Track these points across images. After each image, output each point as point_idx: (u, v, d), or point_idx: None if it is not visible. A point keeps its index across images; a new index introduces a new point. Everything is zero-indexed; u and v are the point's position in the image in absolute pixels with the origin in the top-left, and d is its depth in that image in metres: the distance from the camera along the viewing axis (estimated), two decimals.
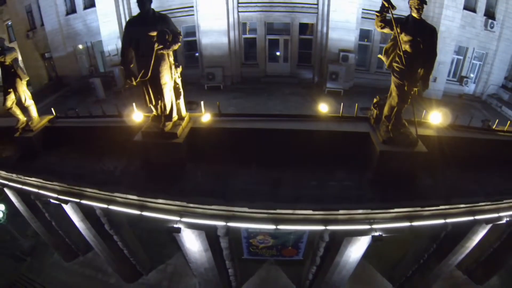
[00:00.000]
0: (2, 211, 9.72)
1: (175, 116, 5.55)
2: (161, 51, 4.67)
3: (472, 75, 13.19)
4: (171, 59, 4.98)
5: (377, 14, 4.43)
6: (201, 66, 12.70)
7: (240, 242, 7.97)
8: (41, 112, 6.88)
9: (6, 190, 7.69)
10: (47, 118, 6.85)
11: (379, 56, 4.99)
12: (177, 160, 5.50)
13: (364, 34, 12.16)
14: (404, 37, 4.41)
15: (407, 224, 5.14)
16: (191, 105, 7.08)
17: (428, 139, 5.29)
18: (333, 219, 5.08)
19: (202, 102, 6.17)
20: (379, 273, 9.14)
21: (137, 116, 5.96)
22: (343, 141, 5.51)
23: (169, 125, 5.39)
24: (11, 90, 6.16)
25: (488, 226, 6.23)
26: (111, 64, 12.82)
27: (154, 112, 5.46)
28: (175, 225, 5.34)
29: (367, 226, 5.14)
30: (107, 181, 5.50)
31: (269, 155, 5.50)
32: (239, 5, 11.81)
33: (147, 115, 5.92)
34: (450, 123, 6.15)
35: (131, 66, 4.89)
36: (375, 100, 5.62)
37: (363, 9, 11.37)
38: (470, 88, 13.24)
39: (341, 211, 4.87)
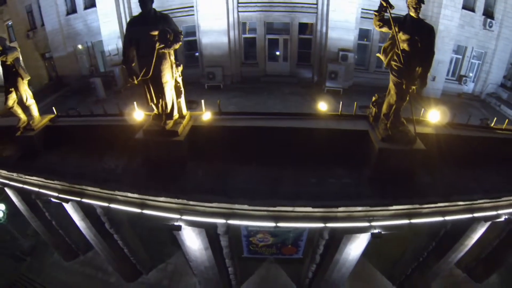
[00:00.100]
0: (2, 211, 9.73)
1: (176, 115, 5.59)
2: (163, 50, 4.72)
3: (471, 74, 13.25)
4: (172, 58, 5.03)
5: (376, 13, 4.48)
6: (201, 65, 12.75)
7: (240, 240, 8.01)
8: (41, 112, 6.90)
9: (7, 190, 7.72)
10: (48, 117, 6.88)
11: (378, 55, 5.04)
12: (178, 158, 5.54)
13: (364, 34, 12.22)
14: (402, 36, 4.46)
15: (406, 221, 5.18)
16: (191, 104, 7.12)
17: (426, 137, 5.33)
18: (332, 217, 5.12)
19: (202, 101, 6.21)
20: (378, 272, 9.18)
21: (138, 114, 6.00)
22: (342, 139, 5.55)
23: (170, 123, 5.43)
24: (13, 89, 6.19)
25: (487, 224, 6.27)
26: (112, 64, 12.86)
27: (155, 111, 5.50)
28: (176, 223, 5.38)
29: (366, 224, 5.18)
30: (109, 179, 5.53)
31: (269, 153, 5.54)
32: (239, 5, 11.86)
33: (148, 114, 5.96)
34: (449, 121, 6.19)
35: (133, 65, 4.93)
36: (373, 98, 5.67)
37: (362, 8, 11.45)
38: (469, 87, 13.30)
39: (340, 209, 4.91)
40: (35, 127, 6.48)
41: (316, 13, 11.77)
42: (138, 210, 5.39)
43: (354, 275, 8.08)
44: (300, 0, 11.66)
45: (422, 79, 4.65)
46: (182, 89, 5.53)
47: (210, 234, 6.20)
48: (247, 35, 12.62)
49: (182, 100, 5.71)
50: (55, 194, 6.07)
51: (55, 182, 5.84)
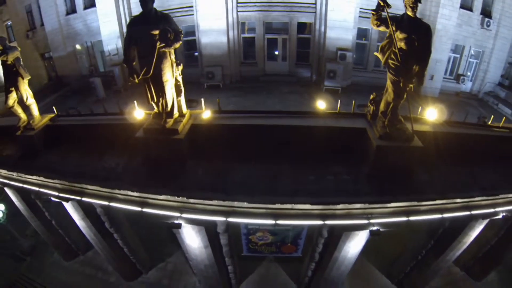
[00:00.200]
0: (2, 211, 9.73)
1: (176, 113, 5.63)
2: (163, 49, 4.76)
3: (468, 73, 13.31)
4: (173, 57, 5.07)
5: (373, 12, 4.54)
6: (200, 65, 12.78)
7: (239, 239, 8.04)
8: (41, 112, 6.92)
9: (6, 189, 7.73)
10: (48, 116, 6.90)
11: (376, 53, 5.09)
12: (178, 156, 5.57)
13: (362, 33, 12.26)
14: (399, 35, 4.51)
15: (404, 218, 5.22)
16: (191, 103, 7.15)
17: (424, 135, 5.38)
18: (331, 214, 5.16)
19: (202, 99, 6.25)
20: (377, 270, 9.22)
21: (138, 113, 6.03)
22: (340, 137, 5.60)
23: (170, 121, 5.47)
24: (13, 89, 6.22)
25: (485, 221, 6.31)
26: (111, 64, 12.87)
27: (156, 109, 5.54)
28: (176, 221, 5.42)
29: (365, 221, 5.22)
30: (109, 178, 5.56)
31: (268, 151, 5.59)
32: (238, 5, 11.90)
33: (148, 113, 6.00)
34: (446, 119, 6.24)
35: (134, 64, 4.97)
36: (371, 96, 5.71)
37: (360, 8, 11.49)
38: (467, 86, 13.36)
39: (339, 206, 4.95)
40: (35, 127, 6.51)
41: (315, 12, 11.82)
42: (138, 209, 5.42)
43: (353, 273, 8.13)
44: (299, 0, 11.72)
45: (419, 77, 4.72)
46: (182, 87, 5.58)
47: (210, 232, 6.24)
48: (246, 35, 12.66)
49: (182, 98, 5.75)
50: (55, 193, 6.10)
51: (55, 181, 5.86)
